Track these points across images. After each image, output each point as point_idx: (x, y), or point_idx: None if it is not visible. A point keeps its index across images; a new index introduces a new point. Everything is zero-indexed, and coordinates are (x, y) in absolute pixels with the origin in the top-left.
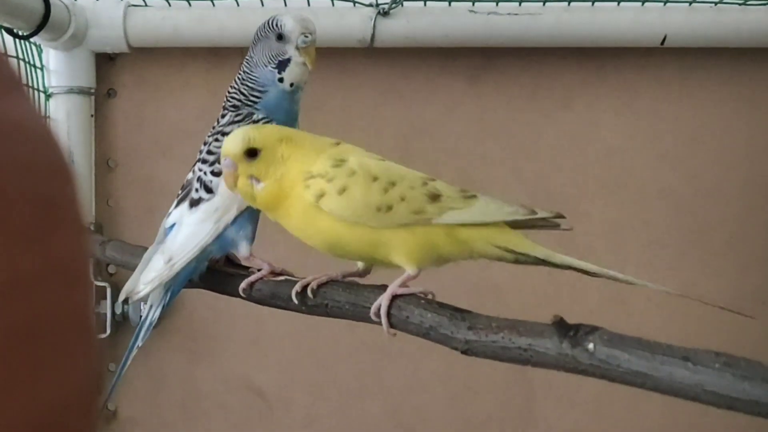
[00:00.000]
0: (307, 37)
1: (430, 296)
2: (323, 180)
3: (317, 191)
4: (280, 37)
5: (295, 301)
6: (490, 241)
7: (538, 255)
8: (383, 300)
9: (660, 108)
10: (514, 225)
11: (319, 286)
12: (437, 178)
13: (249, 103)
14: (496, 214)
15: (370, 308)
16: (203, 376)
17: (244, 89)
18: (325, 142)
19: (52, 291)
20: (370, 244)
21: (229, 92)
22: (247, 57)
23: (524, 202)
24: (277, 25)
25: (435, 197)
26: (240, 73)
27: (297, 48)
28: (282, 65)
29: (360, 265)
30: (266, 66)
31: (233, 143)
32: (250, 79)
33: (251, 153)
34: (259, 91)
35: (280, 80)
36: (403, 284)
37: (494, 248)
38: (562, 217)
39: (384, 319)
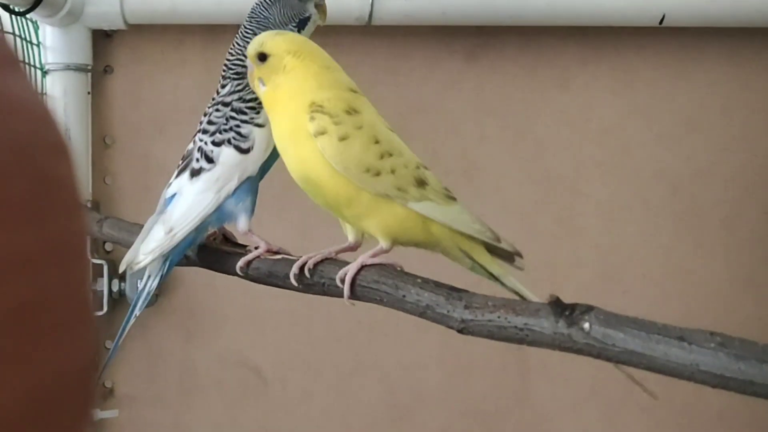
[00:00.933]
0: None
1: (399, 268)
2: (330, 120)
3: (320, 127)
4: None
5: (295, 284)
6: (456, 243)
7: (493, 271)
8: (351, 268)
9: (657, 88)
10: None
11: (315, 264)
12: (430, 170)
13: None
14: (464, 226)
15: (366, 287)
16: (200, 354)
17: None
18: (345, 81)
19: (50, 268)
20: (346, 198)
21: (229, 60)
22: (257, 20)
23: (523, 184)
24: None
25: (421, 183)
26: (245, 38)
27: (316, 5)
28: (302, 23)
29: (351, 237)
30: (287, 25)
31: (251, 45)
32: None
33: (261, 57)
34: None
35: None
36: (374, 257)
37: (459, 251)
38: (519, 255)
39: (347, 287)
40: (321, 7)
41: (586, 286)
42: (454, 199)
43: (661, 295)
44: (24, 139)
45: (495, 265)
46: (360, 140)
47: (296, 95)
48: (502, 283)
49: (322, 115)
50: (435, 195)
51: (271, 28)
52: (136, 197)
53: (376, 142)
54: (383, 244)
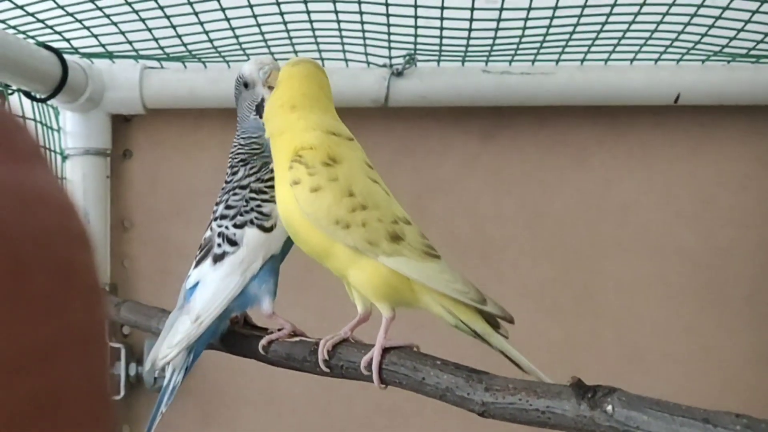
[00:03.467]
0: (264, 69)
1: (416, 348)
2: (306, 171)
3: (295, 177)
4: (246, 85)
5: (327, 370)
6: (438, 300)
7: (477, 330)
8: (375, 354)
9: (674, 166)
10: None
11: (333, 347)
12: (417, 227)
13: (254, 152)
14: (441, 285)
15: (385, 370)
16: None
17: (243, 142)
18: (329, 125)
19: (70, 357)
20: (323, 249)
21: (232, 151)
22: (237, 116)
23: (541, 263)
24: (240, 77)
25: (395, 238)
26: (237, 130)
27: (264, 85)
28: (259, 108)
29: (359, 308)
30: (249, 116)
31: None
32: (242, 134)
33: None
34: (255, 140)
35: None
36: (386, 332)
37: (440, 308)
38: (509, 320)
39: (375, 375)
40: (271, 80)
41: (606, 366)
42: (436, 256)
43: (683, 375)
44: (48, 231)
45: (479, 324)
46: (332, 192)
47: (281, 135)
48: (488, 343)
49: (299, 165)
50: (410, 251)
51: (242, 124)
52: (154, 280)
53: (350, 194)
54: (383, 311)
